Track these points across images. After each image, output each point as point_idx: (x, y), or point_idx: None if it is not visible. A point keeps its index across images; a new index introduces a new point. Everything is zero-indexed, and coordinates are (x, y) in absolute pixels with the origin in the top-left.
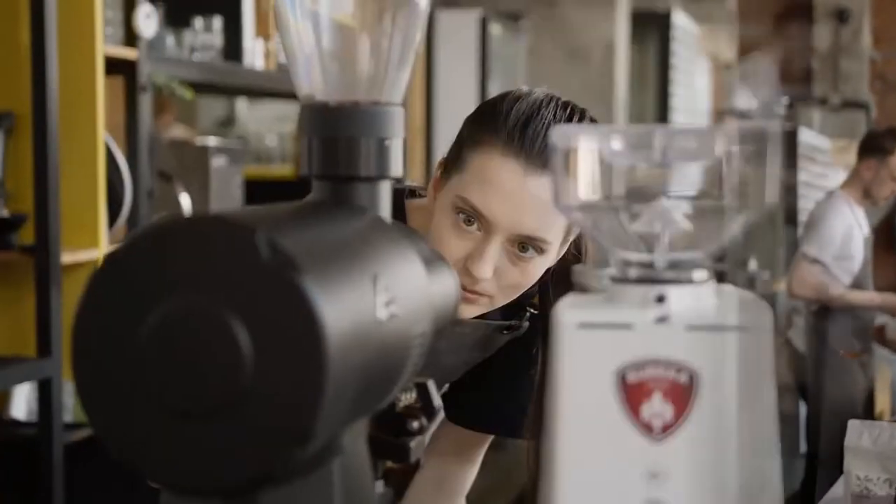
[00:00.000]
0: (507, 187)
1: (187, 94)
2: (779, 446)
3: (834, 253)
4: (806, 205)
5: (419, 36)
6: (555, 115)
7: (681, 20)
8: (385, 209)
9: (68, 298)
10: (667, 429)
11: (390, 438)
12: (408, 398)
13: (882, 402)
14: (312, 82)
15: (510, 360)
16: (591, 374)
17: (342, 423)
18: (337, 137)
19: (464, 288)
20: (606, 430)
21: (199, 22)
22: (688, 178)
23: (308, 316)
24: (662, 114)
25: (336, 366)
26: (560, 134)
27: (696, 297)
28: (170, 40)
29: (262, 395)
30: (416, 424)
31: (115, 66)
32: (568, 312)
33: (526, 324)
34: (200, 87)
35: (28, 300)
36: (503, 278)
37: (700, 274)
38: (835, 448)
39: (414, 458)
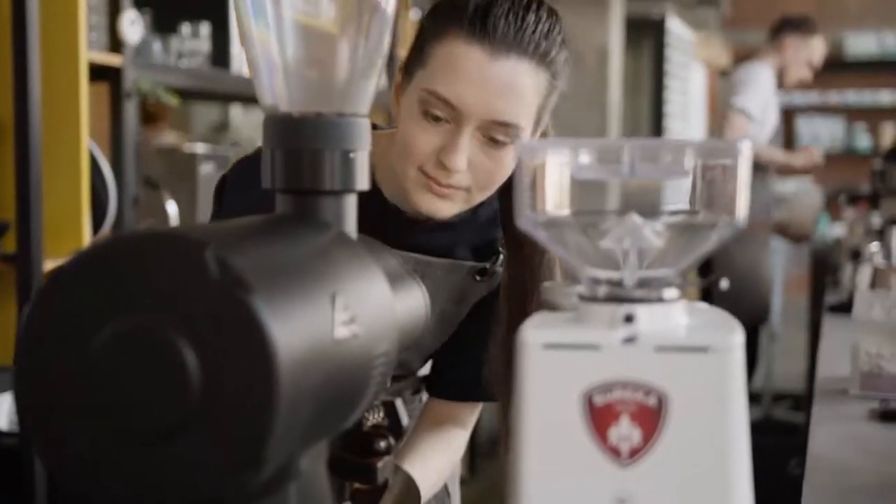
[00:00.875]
0: (473, 73)
1: (173, 100)
2: (751, 470)
3: (758, 111)
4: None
5: (386, 44)
6: None
7: (675, 26)
8: (350, 223)
9: None
10: (635, 453)
11: (357, 459)
12: (375, 417)
13: None
14: (276, 93)
15: (485, 325)
16: (557, 396)
17: (298, 446)
18: (300, 150)
19: (438, 183)
20: (573, 454)
21: (186, 28)
22: (658, 194)
23: (258, 336)
24: (657, 119)
25: (288, 388)
26: (526, 148)
27: (666, 317)
28: (157, 46)
29: (212, 417)
30: (383, 444)
31: (100, 73)
32: (533, 332)
33: (499, 269)
34: (188, 94)
35: (10, 309)
36: (477, 169)
37: (670, 292)
38: (730, 314)
39: (381, 478)
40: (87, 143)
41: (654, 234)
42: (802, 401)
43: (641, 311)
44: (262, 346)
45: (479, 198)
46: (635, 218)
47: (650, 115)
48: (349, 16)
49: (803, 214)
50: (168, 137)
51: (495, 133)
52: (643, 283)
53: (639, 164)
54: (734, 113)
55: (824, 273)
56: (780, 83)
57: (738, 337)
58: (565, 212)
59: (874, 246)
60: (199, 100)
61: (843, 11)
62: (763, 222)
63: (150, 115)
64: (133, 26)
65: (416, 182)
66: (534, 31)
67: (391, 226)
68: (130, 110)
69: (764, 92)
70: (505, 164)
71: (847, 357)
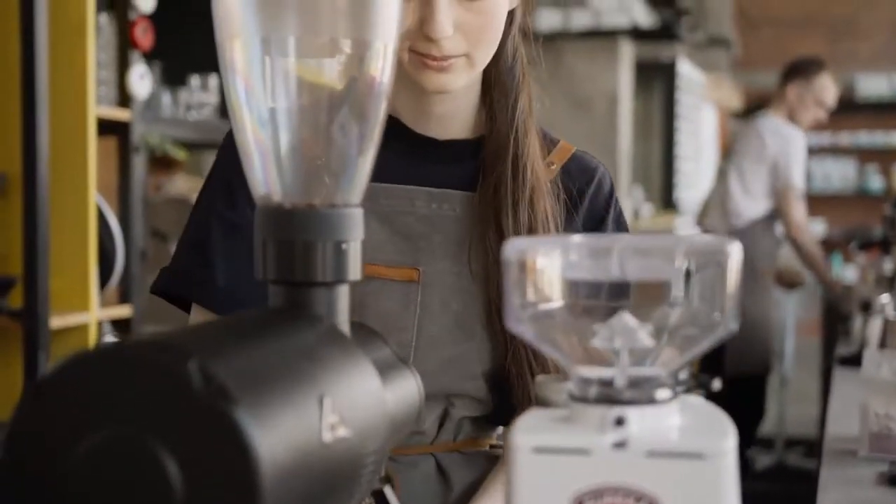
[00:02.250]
0: None
1: (180, 154)
2: None
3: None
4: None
5: (378, 133)
6: None
7: (686, 69)
8: (342, 314)
9: None
10: None
11: None
12: None
13: None
14: (268, 183)
15: None
16: (547, 501)
17: None
18: (293, 241)
19: (433, 58)
20: None
21: (195, 80)
22: (650, 294)
23: (241, 449)
24: (668, 162)
25: (273, 498)
26: (514, 248)
27: (658, 419)
28: (166, 99)
29: None
30: None
31: (108, 127)
32: (523, 435)
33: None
34: (197, 145)
35: (16, 366)
36: (466, 29)
37: (663, 393)
38: (738, 362)
39: None
40: (94, 198)
41: (645, 334)
42: (816, 447)
43: (633, 414)
44: (245, 459)
45: (483, 57)
46: (626, 317)
47: (661, 158)
48: (342, 98)
49: (793, 261)
50: (181, 182)
51: None
52: (635, 383)
53: (629, 263)
54: (795, 196)
55: (835, 320)
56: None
57: (731, 441)
58: (554, 309)
59: (885, 297)
60: (210, 149)
61: (854, 53)
62: (770, 270)
63: (163, 162)
64: (142, 81)
65: (413, 64)
66: None
67: (419, 159)
68: (138, 164)
69: (805, 158)
70: (492, 12)
71: (857, 414)
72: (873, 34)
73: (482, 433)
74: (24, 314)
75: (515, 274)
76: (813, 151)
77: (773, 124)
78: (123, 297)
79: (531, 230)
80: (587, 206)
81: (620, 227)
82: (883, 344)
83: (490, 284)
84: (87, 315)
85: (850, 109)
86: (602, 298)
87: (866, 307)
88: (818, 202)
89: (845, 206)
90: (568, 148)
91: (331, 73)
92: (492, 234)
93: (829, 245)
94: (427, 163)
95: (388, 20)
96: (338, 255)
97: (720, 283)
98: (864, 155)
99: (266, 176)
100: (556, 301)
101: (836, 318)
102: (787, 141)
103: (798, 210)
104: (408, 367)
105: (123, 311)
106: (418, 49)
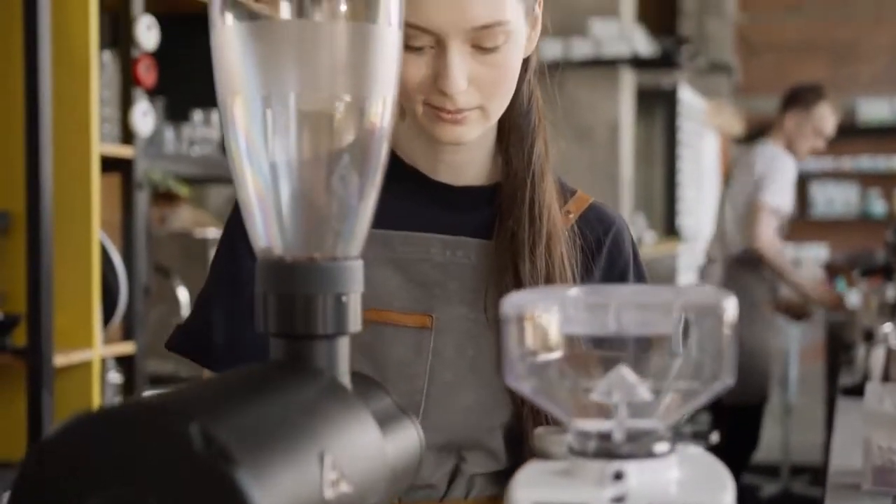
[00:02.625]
0: None
1: (183, 190)
2: None
3: (788, 206)
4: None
5: (376, 186)
6: None
7: (687, 96)
8: (343, 366)
9: (61, 402)
10: None
11: None
12: None
13: None
14: (269, 236)
15: None
16: None
17: None
18: (293, 294)
19: (448, 111)
20: None
21: (197, 115)
22: (648, 347)
23: None
24: (670, 188)
25: None
26: (512, 302)
27: (657, 473)
28: (169, 134)
29: None
30: None
31: (112, 164)
32: (522, 490)
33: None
34: (199, 180)
35: (20, 403)
36: (480, 82)
37: (661, 446)
38: (735, 392)
39: None
40: (98, 236)
41: (643, 388)
42: (821, 474)
43: (631, 468)
44: None
45: (497, 109)
46: (624, 371)
47: (663, 185)
48: (342, 150)
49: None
50: (185, 215)
51: (482, 40)
52: (633, 437)
53: (626, 317)
54: (765, 211)
55: (839, 347)
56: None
57: (729, 495)
58: (552, 362)
59: (887, 327)
60: (213, 184)
61: (855, 78)
62: (768, 302)
63: (167, 194)
64: (145, 118)
65: (428, 117)
66: None
67: (435, 206)
68: (142, 201)
69: (790, 182)
70: (508, 66)
71: (861, 446)
72: (874, 58)
73: (495, 491)
74: (28, 352)
75: (514, 329)
76: (815, 176)
77: (769, 151)
78: (127, 333)
79: (548, 277)
80: (605, 257)
81: (642, 281)
82: (886, 375)
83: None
84: (91, 352)
85: (851, 134)
86: (600, 352)
87: (869, 336)
88: (821, 226)
89: (848, 230)
90: (585, 198)
91: (331, 126)
92: (509, 280)
93: (832, 269)
94: (443, 210)
95: (386, 75)
96: (338, 308)
97: (717, 336)
98: (867, 179)
99: (267, 229)
100: (555, 355)
101: (839, 345)
102: (772, 161)
103: (765, 224)
104: (408, 417)
105: (127, 347)
106: (432, 102)
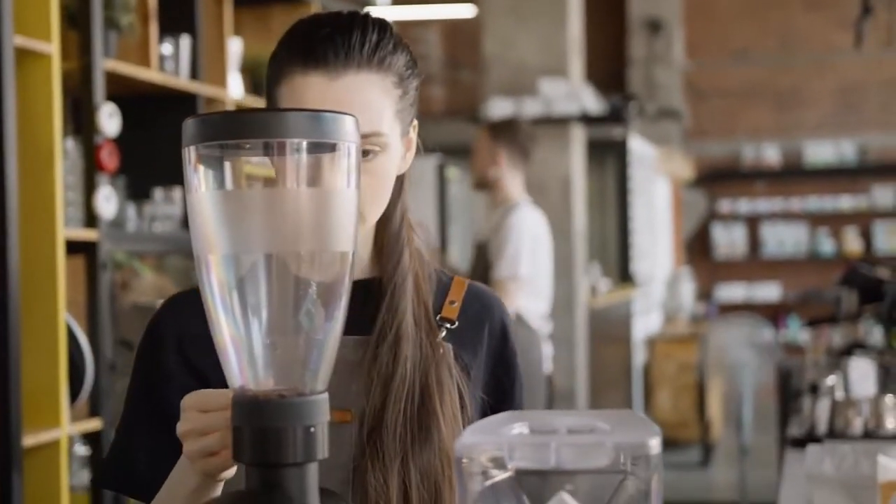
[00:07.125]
0: (316, 100)
1: (145, 271)
2: None
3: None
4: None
5: (340, 322)
6: (337, 17)
7: (637, 145)
8: (312, 491)
9: (30, 481)
10: None
11: None
12: None
13: None
14: (244, 376)
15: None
16: None
17: None
18: (266, 428)
19: None
20: None
21: (158, 193)
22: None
23: None
24: (623, 235)
25: None
26: (464, 446)
27: None
28: (131, 212)
29: None
30: None
31: (76, 246)
32: None
33: (448, 346)
34: (161, 255)
35: None
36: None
37: None
38: None
39: None
40: (64, 317)
41: None
42: None
43: None
44: None
45: (374, 213)
46: (566, 498)
47: (616, 233)
48: (307, 292)
49: None
50: (147, 281)
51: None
52: None
53: (564, 457)
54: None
55: (788, 395)
56: None
57: None
58: (501, 494)
59: (831, 379)
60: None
61: (800, 122)
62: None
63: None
64: (108, 202)
65: None
66: (362, 44)
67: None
68: (105, 281)
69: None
70: (381, 172)
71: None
72: (818, 103)
73: None
74: None
75: (466, 467)
76: (766, 216)
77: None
78: (94, 409)
79: (391, 375)
80: (487, 333)
81: (514, 361)
82: (831, 430)
83: (364, 428)
84: (58, 431)
85: (799, 175)
86: (546, 483)
87: (814, 389)
88: (772, 266)
89: (798, 269)
90: (461, 282)
91: (297, 277)
92: (365, 374)
93: (784, 308)
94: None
95: (347, 229)
96: (307, 438)
97: (644, 483)
98: (815, 219)
99: (241, 370)
100: (503, 490)
101: (789, 391)
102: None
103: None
104: None
105: (93, 423)
106: None
